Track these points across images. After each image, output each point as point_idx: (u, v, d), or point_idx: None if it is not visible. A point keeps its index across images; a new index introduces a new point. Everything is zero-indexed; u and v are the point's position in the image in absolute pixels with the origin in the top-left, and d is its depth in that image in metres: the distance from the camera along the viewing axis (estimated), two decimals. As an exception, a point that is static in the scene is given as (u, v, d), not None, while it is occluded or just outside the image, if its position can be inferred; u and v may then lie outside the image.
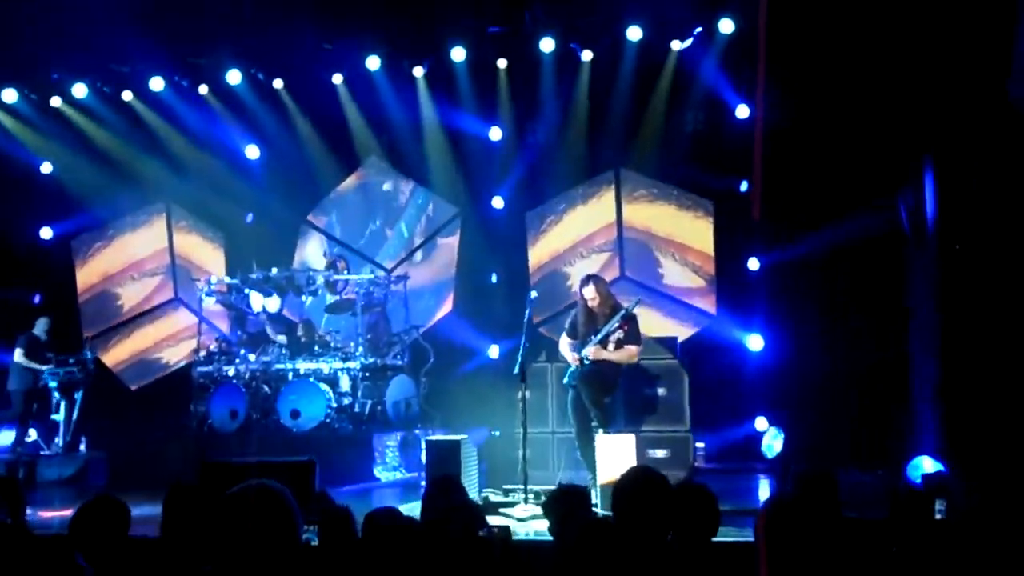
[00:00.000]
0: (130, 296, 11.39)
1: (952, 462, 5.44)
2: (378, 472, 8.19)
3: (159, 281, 11.35)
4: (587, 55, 9.81)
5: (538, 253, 10.37)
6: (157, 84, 10.48)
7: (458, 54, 9.89)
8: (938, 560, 2.55)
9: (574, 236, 10.29)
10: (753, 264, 9.46)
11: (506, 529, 2.86)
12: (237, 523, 2.14)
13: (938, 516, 3.11)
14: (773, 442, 7.00)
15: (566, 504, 3.54)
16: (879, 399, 7.77)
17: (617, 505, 3.08)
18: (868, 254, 8.25)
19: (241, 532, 2.13)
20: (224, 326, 10.33)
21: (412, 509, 6.07)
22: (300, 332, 9.41)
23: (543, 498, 6.04)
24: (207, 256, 11.24)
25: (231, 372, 9.09)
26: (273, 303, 9.46)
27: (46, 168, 11.20)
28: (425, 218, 10.83)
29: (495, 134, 10.28)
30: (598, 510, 5.63)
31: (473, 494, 6.20)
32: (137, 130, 10.81)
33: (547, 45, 9.64)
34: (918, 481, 4.88)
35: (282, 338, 9.45)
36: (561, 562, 2.14)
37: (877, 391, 7.87)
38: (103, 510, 3.24)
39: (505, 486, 6.44)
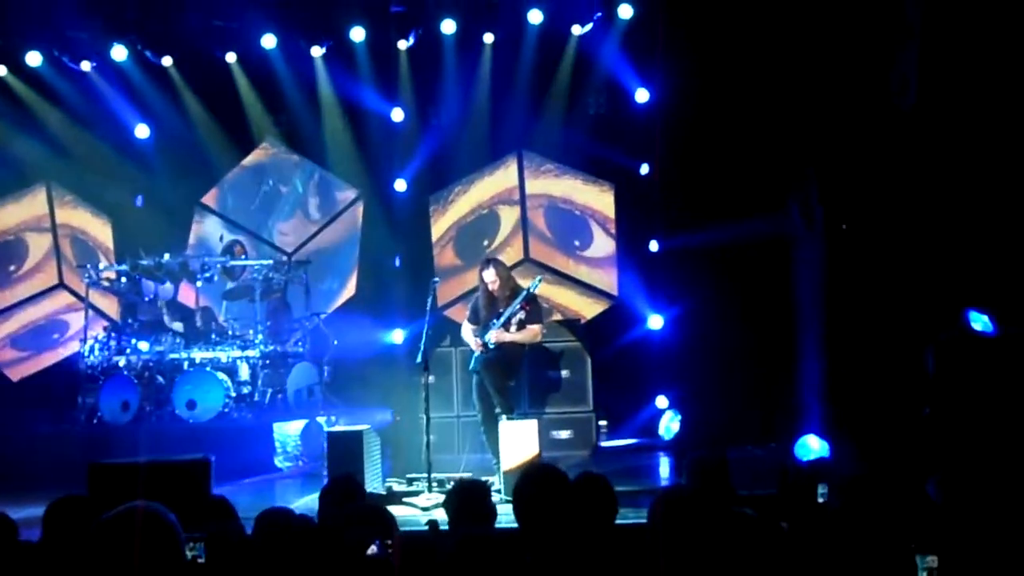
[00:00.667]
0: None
1: (836, 441, 5.71)
2: (279, 462, 8.04)
3: (40, 279, 10.75)
4: (488, 38, 9.76)
5: (442, 225, 10.30)
6: (34, 59, 9.89)
7: (358, 34, 9.68)
8: (820, 543, 2.67)
9: (479, 198, 10.26)
10: (654, 246, 9.66)
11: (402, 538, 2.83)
12: (117, 549, 2.06)
13: (820, 500, 3.26)
14: (671, 423, 7.21)
15: (464, 501, 3.55)
16: (770, 378, 8.08)
17: (518, 506, 3.11)
18: (761, 248, 8.57)
19: (121, 558, 2.05)
20: (113, 313, 9.91)
21: (313, 501, 6.04)
22: (198, 319, 9.11)
23: (447, 486, 6.08)
24: (97, 235, 10.72)
25: (122, 362, 8.73)
26: (167, 290, 9.15)
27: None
28: (313, 188, 10.58)
29: (397, 115, 10.14)
30: (500, 496, 5.70)
31: (376, 484, 6.17)
32: (12, 107, 10.19)
33: (448, 27, 9.55)
34: (804, 459, 5.12)
35: (178, 325, 9.13)
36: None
37: (769, 370, 8.19)
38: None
39: (409, 475, 6.43)
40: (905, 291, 6.90)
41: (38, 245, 10.77)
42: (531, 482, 3.15)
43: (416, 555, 2.83)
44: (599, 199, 10.08)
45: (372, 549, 2.71)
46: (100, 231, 10.72)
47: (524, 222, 10.17)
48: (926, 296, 6.73)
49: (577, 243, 10.11)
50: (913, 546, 2.21)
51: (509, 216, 10.23)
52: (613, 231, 10.03)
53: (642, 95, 9.76)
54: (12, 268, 10.77)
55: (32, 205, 10.77)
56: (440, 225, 10.33)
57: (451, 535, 3.28)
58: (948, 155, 6.71)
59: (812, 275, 7.57)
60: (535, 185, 10.21)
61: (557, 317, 9.33)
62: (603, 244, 10.03)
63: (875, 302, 7.05)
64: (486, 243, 10.16)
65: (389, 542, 2.78)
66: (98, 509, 3.28)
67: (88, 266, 9.37)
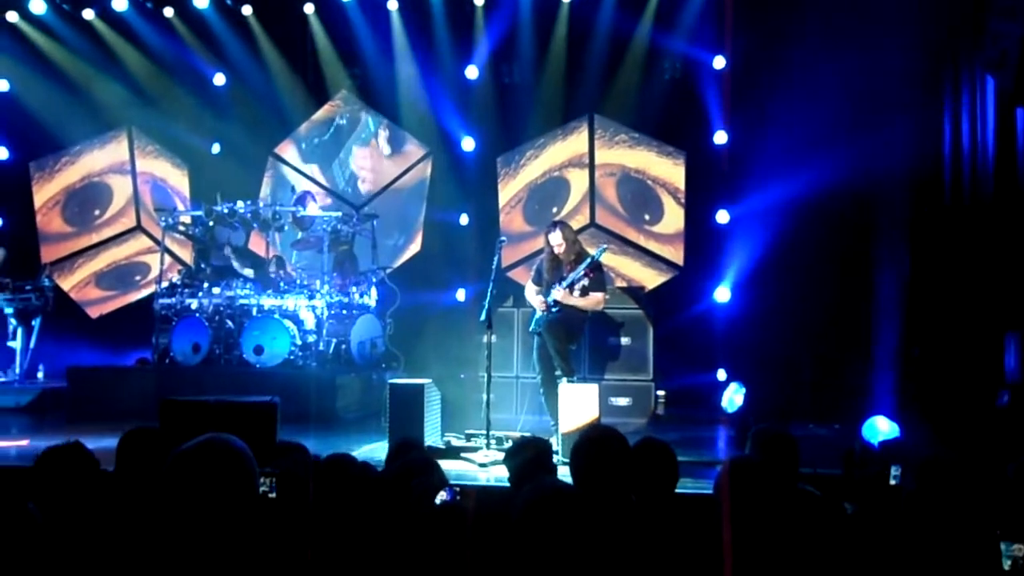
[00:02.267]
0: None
1: (908, 424, 5.57)
2: (341, 411, 8.18)
3: (122, 223, 11.07)
4: (566, -3, 9.63)
5: (512, 188, 10.26)
6: (120, 3, 10.09)
7: (434, -12, 9.63)
8: (891, 524, 2.61)
9: (550, 162, 10.20)
10: (722, 217, 9.50)
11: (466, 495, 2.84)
12: (191, 480, 2.10)
13: (893, 482, 3.18)
14: (734, 396, 7.11)
15: (526, 456, 3.56)
16: (840, 354, 7.91)
17: (576, 468, 3.10)
18: (837, 209, 8.33)
19: (195, 489, 2.10)
20: (188, 257, 10.17)
21: (373, 451, 6.14)
22: (272, 267, 9.29)
23: (505, 444, 6.12)
24: (175, 183, 11.00)
25: (194, 305, 8.95)
26: (239, 237, 9.35)
27: (2, 86, 10.80)
28: (387, 128, 10.61)
29: (471, 73, 10.09)
30: (559, 458, 5.70)
31: (435, 438, 6.24)
32: (98, 51, 10.44)
33: (527, -17, 9.42)
34: (873, 441, 5.00)
35: (249, 272, 9.33)
36: (517, 534, 2.14)
37: (838, 346, 8.02)
38: (68, 459, 3.18)
39: (467, 431, 6.47)
40: (989, 274, 6.64)
41: (121, 189, 11.10)
42: (591, 442, 3.13)
43: (486, 506, 2.84)
44: (673, 172, 9.92)
45: (442, 496, 2.73)
46: (178, 180, 10.98)
47: (592, 190, 10.07)
48: (1011, 280, 6.47)
49: (647, 217, 9.98)
50: (998, 532, 2.13)
51: (580, 182, 10.13)
52: (683, 201, 9.87)
53: (719, 62, 9.53)
54: (97, 212, 11.14)
55: (116, 151, 11.10)
56: (510, 188, 10.29)
57: (514, 490, 3.30)
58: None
59: (895, 254, 7.35)
60: (608, 155, 10.08)
61: (621, 284, 9.26)
62: (674, 219, 9.88)
63: (957, 284, 6.81)
64: (555, 209, 10.10)
65: (458, 489, 2.80)
66: (169, 442, 3.38)
67: (165, 211, 9.61)
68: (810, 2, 8.29)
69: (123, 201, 11.11)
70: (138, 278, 10.97)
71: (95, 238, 11.09)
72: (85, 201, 11.11)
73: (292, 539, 2.47)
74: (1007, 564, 2.16)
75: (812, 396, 7.98)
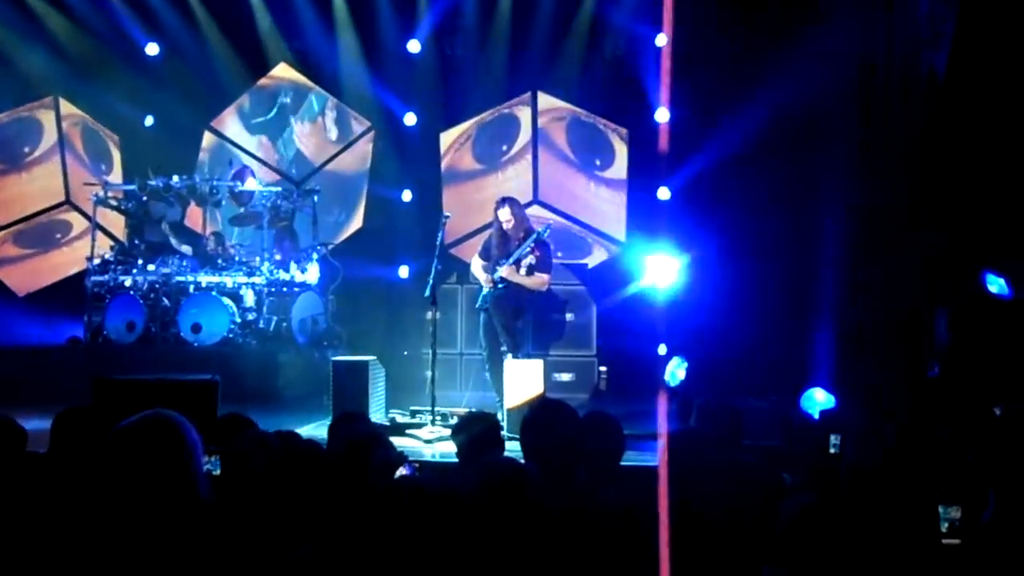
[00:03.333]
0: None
1: (843, 395, 5.73)
2: (283, 389, 8.06)
3: (50, 168, 10.63)
4: (511, -30, 9.55)
5: (457, 130, 10.18)
6: (46, -32, 9.69)
7: (376, -40, 9.45)
8: (831, 492, 2.68)
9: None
10: (663, 193, 9.59)
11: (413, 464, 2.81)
12: (132, 456, 2.04)
13: (832, 451, 3.27)
14: (676, 370, 7.22)
15: (474, 431, 3.56)
16: (778, 328, 8.08)
17: (527, 440, 3.11)
18: (777, 182, 8.49)
19: (135, 466, 2.04)
20: (120, 233, 9.87)
21: (317, 429, 6.08)
22: (210, 244, 9.07)
23: (450, 420, 6.12)
24: (103, 156, 10.63)
25: (128, 282, 8.71)
26: (175, 212, 9.12)
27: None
28: (335, 109, 10.45)
29: (413, 47, 9.95)
30: (505, 432, 5.72)
31: (380, 415, 6.21)
32: (21, 17, 9.99)
33: (470, -43, 9.31)
34: (811, 412, 5.13)
35: (187, 248, 9.11)
36: (469, 506, 2.14)
37: (777, 320, 8.19)
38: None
39: (412, 407, 6.45)
40: (923, 249, 6.85)
41: (51, 126, 10.61)
42: (542, 414, 3.15)
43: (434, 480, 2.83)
44: (612, 151, 9.96)
45: (402, 471, 2.70)
46: (106, 156, 10.62)
47: (535, 163, 10.04)
48: (943, 255, 6.69)
49: (598, 162, 10.00)
50: (936, 495, 2.21)
51: (527, 121, 10.06)
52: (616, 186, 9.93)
53: (661, 39, 9.58)
54: (27, 150, 10.65)
55: (38, 125, 10.65)
56: (457, 127, 10.16)
57: (463, 466, 3.30)
58: (980, 118, 6.57)
59: (832, 228, 7.52)
60: (557, 102, 10.04)
61: (564, 260, 9.30)
62: (623, 164, 9.89)
63: (893, 259, 7.00)
64: (504, 147, 10.06)
65: (418, 464, 2.78)
66: (104, 421, 3.29)
67: (98, 183, 9.29)
68: None
69: (53, 140, 10.60)
70: (59, 236, 10.57)
71: (24, 177, 10.59)
72: (13, 137, 10.60)
73: (237, 517, 2.42)
74: (944, 527, 2.25)
75: (751, 369, 8.15)
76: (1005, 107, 6.45)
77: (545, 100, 10.04)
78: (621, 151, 9.96)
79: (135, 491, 2.04)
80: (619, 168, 9.96)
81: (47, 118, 10.63)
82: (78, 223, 10.43)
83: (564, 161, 10.04)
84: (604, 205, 9.96)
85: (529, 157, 9.98)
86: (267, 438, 2.81)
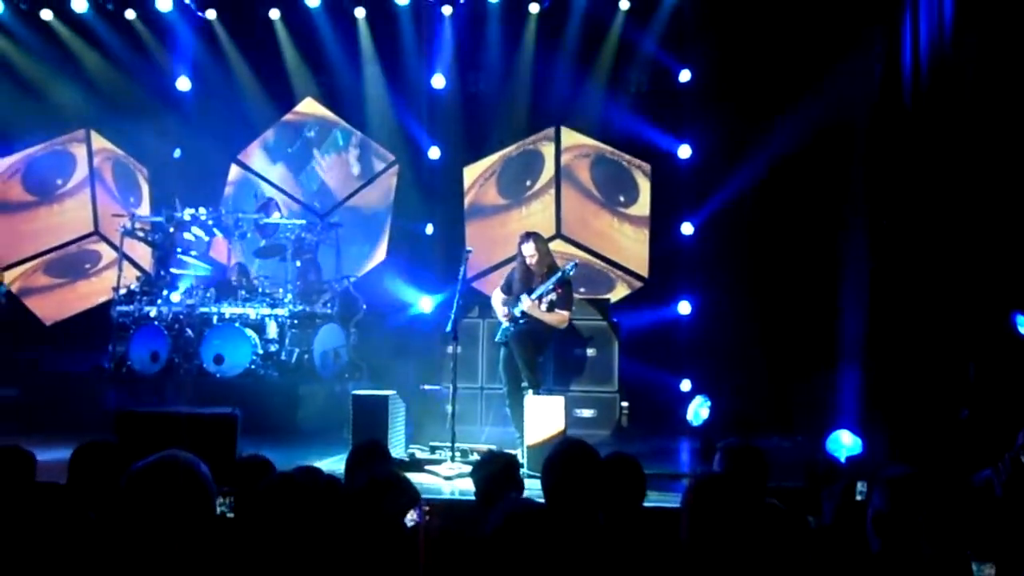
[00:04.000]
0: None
1: (870, 438, 5.62)
2: (302, 422, 8.06)
3: (82, 199, 10.80)
4: (534, 8, 9.64)
5: (483, 164, 10.22)
6: (80, 5, 9.90)
7: (402, -4, 9.58)
8: (859, 540, 2.61)
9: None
10: (687, 229, 9.57)
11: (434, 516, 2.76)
12: (147, 499, 2.03)
13: (859, 497, 3.20)
14: (700, 409, 7.14)
15: (492, 470, 3.52)
16: (801, 370, 7.98)
17: (548, 481, 3.07)
18: (805, 235, 8.45)
19: (150, 508, 2.02)
20: (147, 264, 9.98)
21: (336, 463, 6.05)
22: (234, 275, 9.15)
23: (470, 456, 6.07)
24: (132, 189, 10.79)
25: (152, 313, 8.78)
26: (201, 244, 9.21)
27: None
28: (358, 146, 10.55)
29: (437, 82, 10.05)
30: (524, 470, 5.67)
31: (399, 450, 6.17)
32: (57, 53, 10.22)
33: (495, -6, 9.42)
34: (836, 454, 5.04)
35: (205, 269, 9.17)
36: (488, 551, 2.10)
37: (802, 358, 8.09)
38: (6, 461, 3.08)
39: (432, 443, 6.41)
40: (952, 290, 6.75)
41: (84, 159, 10.81)
42: (563, 456, 3.10)
43: (453, 524, 2.79)
44: (635, 188, 9.97)
45: (412, 516, 2.67)
46: (135, 189, 10.79)
47: (558, 199, 10.06)
48: (973, 296, 6.58)
49: (622, 199, 9.99)
50: (969, 553, 2.14)
51: (551, 156, 10.10)
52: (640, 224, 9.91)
53: (684, 75, 9.63)
54: (59, 182, 10.83)
55: (70, 158, 10.85)
56: (482, 162, 10.22)
57: (481, 505, 3.26)
58: (999, 159, 6.51)
59: (857, 269, 7.46)
60: (581, 138, 10.07)
61: (586, 296, 9.27)
62: (647, 201, 9.90)
63: (920, 300, 6.92)
64: (528, 183, 10.09)
65: (427, 508, 2.74)
66: (125, 456, 3.28)
67: (125, 215, 9.41)
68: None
69: (84, 173, 10.80)
70: (88, 266, 10.71)
71: (56, 209, 10.78)
72: (47, 169, 10.80)
73: (250, 561, 2.39)
74: (979, 584, 2.18)
75: (775, 408, 8.04)
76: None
77: (570, 136, 10.09)
78: (645, 188, 9.96)
79: (148, 532, 2.02)
80: (643, 205, 9.95)
81: (80, 151, 10.84)
82: (107, 253, 10.58)
83: (588, 197, 10.06)
84: (627, 242, 9.95)
85: (553, 192, 10.01)
86: (283, 482, 2.78)
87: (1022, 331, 5.94)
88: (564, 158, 10.07)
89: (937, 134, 7.05)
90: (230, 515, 2.72)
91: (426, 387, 8.20)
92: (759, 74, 8.75)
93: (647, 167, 9.94)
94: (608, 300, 9.28)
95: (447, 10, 9.76)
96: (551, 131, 10.13)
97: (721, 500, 2.73)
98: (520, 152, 10.19)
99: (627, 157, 10.00)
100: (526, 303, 6.68)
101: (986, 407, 5.75)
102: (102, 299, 10.08)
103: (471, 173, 10.24)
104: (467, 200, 10.21)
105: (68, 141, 10.83)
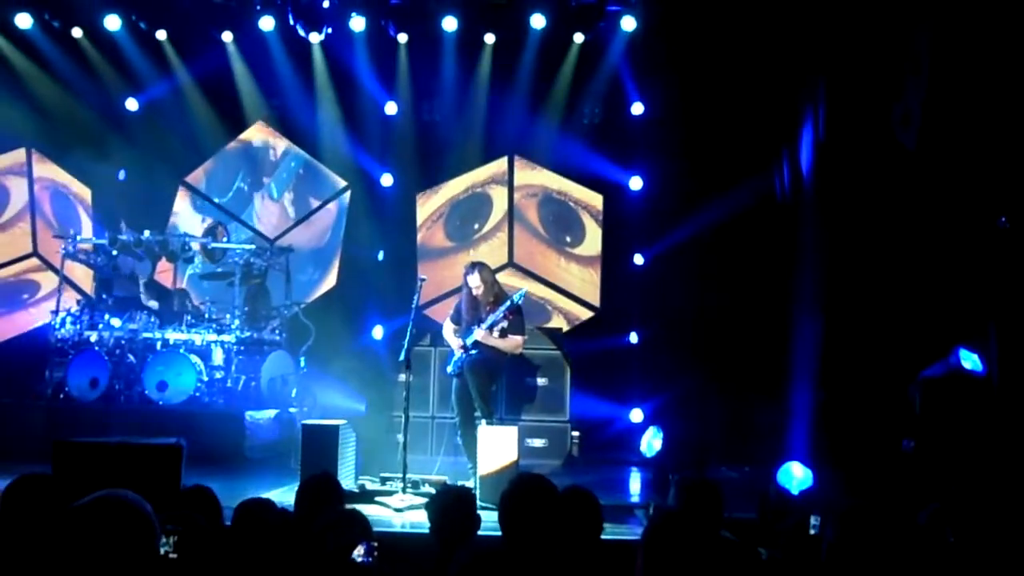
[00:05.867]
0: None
1: (820, 470, 5.70)
2: (248, 451, 7.87)
3: (17, 233, 10.49)
4: (489, 38, 9.69)
5: (433, 204, 10.21)
6: (24, 21, 9.67)
7: (357, 24, 9.55)
8: (812, 574, 2.62)
9: (473, 179, 10.21)
10: (638, 260, 9.66)
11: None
12: (85, 540, 1.93)
13: (812, 531, 3.21)
14: (652, 440, 7.16)
15: (447, 504, 3.46)
16: (752, 397, 8.08)
17: (505, 517, 3.04)
18: (755, 267, 8.59)
19: (89, 550, 1.92)
20: (88, 287, 9.70)
21: (284, 494, 5.91)
22: (175, 300, 8.93)
23: (421, 487, 5.99)
24: (77, 191, 10.48)
25: (93, 338, 8.52)
26: (145, 267, 8.99)
27: None
28: (296, 180, 10.46)
29: (391, 109, 10.03)
30: (479, 502, 5.60)
31: (349, 481, 6.05)
32: (1, 70, 9.95)
33: (450, 24, 9.44)
34: (788, 486, 5.08)
35: (154, 304, 8.95)
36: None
37: (751, 389, 8.19)
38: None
39: (382, 474, 6.31)
40: (899, 325, 6.92)
41: (19, 191, 10.49)
42: (520, 490, 3.07)
43: (399, 561, 2.73)
44: (594, 196, 10.06)
45: (359, 552, 2.61)
46: (81, 189, 10.48)
47: (511, 227, 10.10)
48: (918, 331, 6.75)
49: (568, 239, 10.07)
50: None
51: (502, 199, 10.14)
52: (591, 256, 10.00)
53: (637, 108, 9.76)
54: None
55: (11, 157, 10.53)
56: (431, 203, 10.23)
57: (434, 540, 3.20)
58: (950, 195, 6.72)
59: (808, 303, 7.60)
60: (531, 176, 10.15)
61: (540, 324, 9.27)
62: (594, 242, 9.99)
63: (869, 333, 7.08)
64: (476, 226, 10.10)
65: (375, 545, 2.67)
66: (62, 489, 3.14)
67: (65, 237, 9.14)
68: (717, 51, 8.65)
69: (20, 204, 10.48)
70: (26, 296, 10.37)
71: None
72: None
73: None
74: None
75: (724, 437, 8.11)
76: (976, 176, 6.61)
77: (520, 176, 10.10)
78: (591, 228, 10.03)
79: (86, 574, 1.92)
80: (590, 245, 10.02)
81: (14, 183, 10.48)
82: (47, 283, 10.21)
83: (535, 236, 10.12)
84: (574, 280, 10.03)
85: (501, 234, 10.01)
86: (236, 512, 2.69)
87: (965, 365, 6.11)
88: (515, 196, 10.11)
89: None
90: (173, 555, 2.61)
91: (378, 416, 8.09)
92: (711, 111, 8.91)
93: (594, 208, 10.02)
94: (560, 330, 9.31)
95: (403, 38, 9.76)
96: (501, 172, 10.16)
97: (679, 537, 2.72)
98: (468, 196, 10.21)
99: (574, 197, 10.07)
100: (479, 333, 6.65)
101: (931, 439, 5.88)
102: (40, 323, 9.77)
103: (420, 214, 10.19)
104: (418, 239, 10.16)
105: (4, 172, 10.48)
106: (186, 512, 2.90)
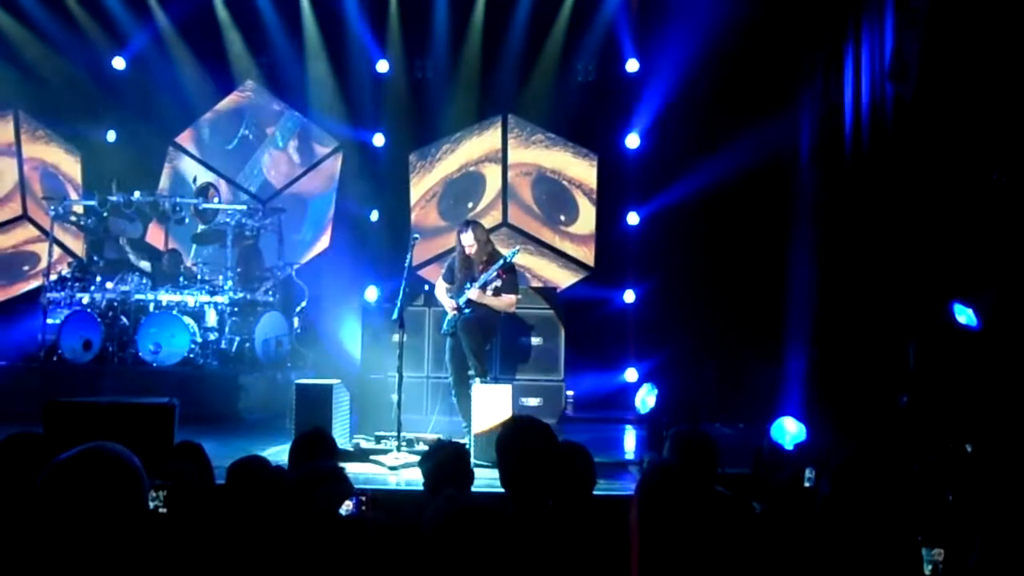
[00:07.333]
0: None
1: (814, 425, 5.71)
2: (244, 412, 7.87)
3: (7, 213, 10.34)
4: (483, -7, 9.54)
5: (427, 182, 10.10)
6: (8, -22, 9.48)
7: (348, -22, 9.38)
8: (809, 527, 2.61)
9: (467, 156, 10.06)
10: (633, 218, 9.60)
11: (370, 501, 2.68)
12: (70, 494, 1.89)
13: (807, 484, 3.21)
14: (647, 397, 7.16)
15: (441, 460, 3.45)
16: (747, 354, 8.08)
17: (501, 457, 3.04)
18: (751, 224, 8.52)
19: (74, 504, 1.89)
20: (79, 249, 9.63)
21: (278, 454, 5.91)
22: (166, 261, 8.87)
23: (416, 446, 6.00)
24: (67, 170, 10.35)
25: (85, 300, 8.48)
26: (136, 229, 8.92)
27: None
28: (301, 128, 10.34)
29: (382, 67, 9.88)
30: (473, 460, 5.61)
31: (344, 440, 6.06)
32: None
33: (442, -22, 9.28)
34: (781, 442, 5.09)
35: (145, 264, 8.90)
36: (428, 549, 2.04)
37: (745, 346, 8.19)
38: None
39: (377, 432, 6.31)
40: (894, 280, 6.90)
41: (6, 173, 10.38)
42: (518, 429, 3.07)
43: (392, 516, 2.72)
44: (588, 173, 9.95)
45: (348, 506, 2.59)
46: (70, 167, 10.34)
47: (505, 189, 10.02)
48: (914, 286, 6.73)
49: (563, 218, 9.99)
50: (920, 538, 2.14)
51: (495, 178, 10.06)
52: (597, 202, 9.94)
53: (632, 65, 9.63)
54: None
55: (1, 132, 10.38)
56: (424, 183, 10.13)
57: (428, 496, 3.19)
58: (945, 147, 6.65)
59: (805, 259, 7.57)
60: (524, 154, 10.03)
61: (535, 284, 9.24)
62: (588, 220, 9.91)
63: (864, 290, 7.05)
64: (470, 204, 10.01)
65: (364, 498, 2.66)
66: (54, 449, 3.11)
67: (55, 199, 9.05)
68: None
69: (9, 185, 10.39)
70: (26, 268, 10.29)
71: None
72: None
73: (185, 559, 2.28)
74: (928, 569, 2.19)
75: (718, 395, 8.13)
76: (971, 131, 6.55)
77: (513, 154, 9.97)
78: (586, 207, 9.93)
79: (70, 530, 1.89)
80: (584, 224, 9.92)
81: (6, 164, 10.32)
82: (45, 255, 10.12)
83: (529, 215, 10.02)
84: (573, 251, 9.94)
85: (495, 213, 9.89)
86: (230, 469, 2.66)
87: (960, 320, 6.10)
88: (509, 175, 9.99)
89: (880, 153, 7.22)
90: (163, 510, 2.58)
91: (372, 376, 8.08)
92: (709, 71, 8.77)
93: (587, 185, 9.91)
94: (556, 289, 9.28)
95: (394, -7, 9.59)
96: (495, 150, 10.00)
97: (673, 488, 2.71)
98: (462, 175, 10.09)
99: (568, 176, 9.95)
100: (472, 292, 6.62)
101: (925, 393, 5.90)
102: (31, 285, 9.72)
103: (414, 194, 10.08)
104: (412, 219, 10.05)
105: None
106: (175, 464, 2.88)
